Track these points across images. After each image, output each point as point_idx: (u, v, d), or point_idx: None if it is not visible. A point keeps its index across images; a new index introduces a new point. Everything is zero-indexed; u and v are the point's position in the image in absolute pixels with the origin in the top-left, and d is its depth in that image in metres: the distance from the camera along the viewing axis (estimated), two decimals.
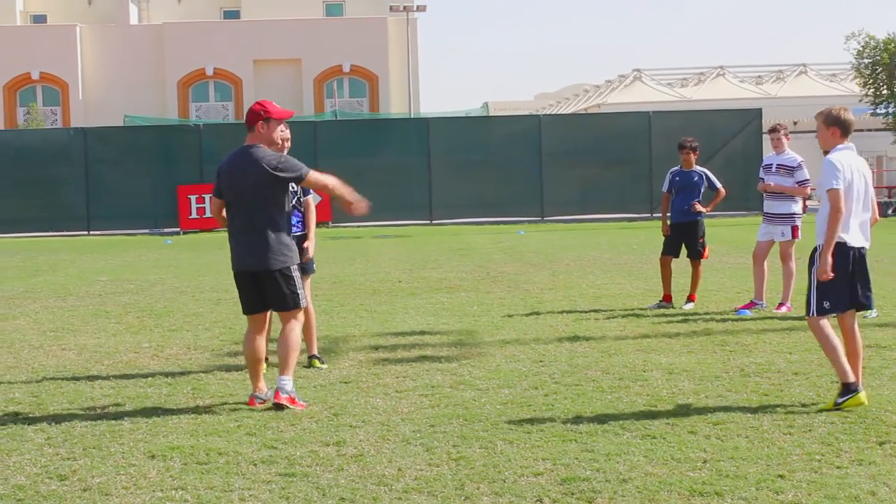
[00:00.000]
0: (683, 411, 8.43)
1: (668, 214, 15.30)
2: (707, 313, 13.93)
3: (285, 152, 9.93)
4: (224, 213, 9.27)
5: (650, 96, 57.86)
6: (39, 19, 67.22)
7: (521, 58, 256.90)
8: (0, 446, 7.87)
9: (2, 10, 64.45)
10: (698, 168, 15.17)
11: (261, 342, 9.26)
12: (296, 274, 9.14)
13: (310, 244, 10.83)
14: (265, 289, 9.15)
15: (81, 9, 66.43)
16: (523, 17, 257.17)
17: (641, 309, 14.43)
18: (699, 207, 14.95)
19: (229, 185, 9.12)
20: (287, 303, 9.15)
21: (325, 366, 10.88)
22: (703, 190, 15.08)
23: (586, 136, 39.44)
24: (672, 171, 15.26)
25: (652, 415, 8.33)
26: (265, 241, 9.02)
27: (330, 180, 9.50)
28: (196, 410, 8.88)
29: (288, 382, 8.98)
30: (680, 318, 13.63)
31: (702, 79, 64.13)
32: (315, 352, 11.11)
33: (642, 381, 9.64)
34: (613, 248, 24.89)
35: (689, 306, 14.54)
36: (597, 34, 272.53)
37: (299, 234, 10.66)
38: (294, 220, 10.51)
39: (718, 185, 15.16)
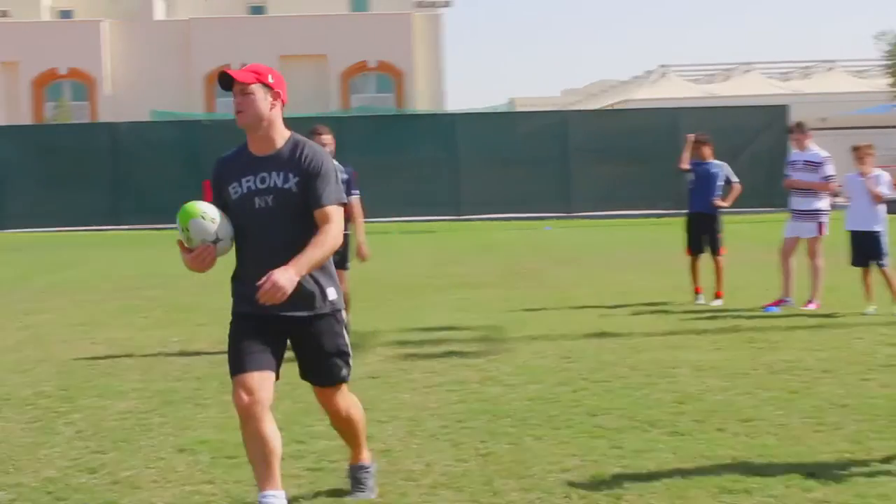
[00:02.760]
0: (711, 408, 8.40)
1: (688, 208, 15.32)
2: (735, 310, 13.88)
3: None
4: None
5: (676, 92, 57.70)
6: (66, 15, 67.52)
7: (547, 53, 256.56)
8: (30, 439, 7.91)
9: (29, 5, 64.76)
10: (717, 161, 15.14)
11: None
12: None
13: (363, 245, 11.55)
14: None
15: (107, 4, 66.68)
16: (549, 13, 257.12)
17: (669, 305, 14.39)
18: (720, 202, 14.93)
19: None
20: None
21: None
22: (720, 183, 15.03)
23: (613, 132, 39.37)
24: (693, 163, 15.23)
25: (680, 412, 8.31)
26: None
27: None
28: (224, 405, 8.89)
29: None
30: (708, 314, 13.59)
31: (728, 75, 63.96)
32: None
33: (670, 377, 9.62)
34: (640, 245, 24.85)
35: (718, 303, 14.49)
36: (623, 30, 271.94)
37: (347, 232, 10.83)
38: None
39: (735, 179, 15.11)
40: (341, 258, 11.15)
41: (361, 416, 6.46)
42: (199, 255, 5.79)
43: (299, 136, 5.99)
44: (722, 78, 64.37)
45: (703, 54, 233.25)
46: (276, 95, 5.94)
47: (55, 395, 9.46)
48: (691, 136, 15.43)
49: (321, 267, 5.83)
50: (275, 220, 5.75)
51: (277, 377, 5.97)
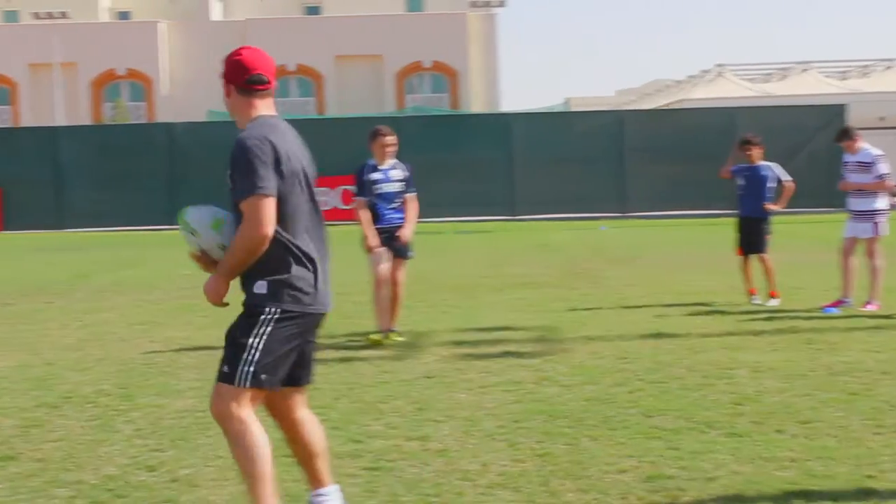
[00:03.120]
0: (770, 410, 8.34)
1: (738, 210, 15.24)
2: (793, 311, 13.79)
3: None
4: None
5: (733, 92, 57.28)
6: (124, 16, 68.12)
7: (603, 53, 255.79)
8: (90, 437, 7.99)
9: (88, 7, 65.41)
10: (765, 163, 15.02)
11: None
12: None
13: (406, 230, 12.20)
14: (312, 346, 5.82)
15: (164, 5, 67.22)
16: (604, 12, 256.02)
17: (726, 305, 14.32)
18: (771, 207, 14.82)
19: (301, 175, 5.60)
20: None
21: (401, 338, 11.97)
22: (771, 185, 14.92)
23: (668, 132, 39.21)
24: (741, 167, 15.11)
25: (738, 413, 8.26)
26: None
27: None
28: None
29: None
30: (766, 315, 13.50)
31: (785, 74, 63.41)
32: (394, 326, 12.12)
33: (728, 378, 9.57)
34: (696, 245, 24.74)
35: (774, 303, 14.39)
36: (679, 29, 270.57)
37: (399, 224, 12.20)
38: (400, 213, 12.23)
39: (786, 178, 14.98)
40: (398, 247, 12.08)
41: (245, 443, 5.41)
42: (198, 261, 5.81)
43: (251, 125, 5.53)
44: (779, 77, 63.85)
45: (760, 54, 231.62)
46: (225, 84, 5.63)
47: (115, 393, 9.55)
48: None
49: (260, 262, 5.39)
50: (236, 218, 5.48)
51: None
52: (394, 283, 12.21)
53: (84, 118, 60.04)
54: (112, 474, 7.01)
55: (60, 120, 54.34)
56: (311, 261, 5.50)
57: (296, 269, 5.44)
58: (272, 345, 5.40)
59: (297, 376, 5.68)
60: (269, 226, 5.31)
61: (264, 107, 5.61)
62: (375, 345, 11.85)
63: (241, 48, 5.72)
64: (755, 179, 14.88)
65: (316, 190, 5.68)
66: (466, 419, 8.28)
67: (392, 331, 12.14)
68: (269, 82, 5.65)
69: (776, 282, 14.69)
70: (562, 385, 9.45)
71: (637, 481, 6.60)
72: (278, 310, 5.41)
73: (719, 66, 62.74)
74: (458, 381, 9.75)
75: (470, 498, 6.39)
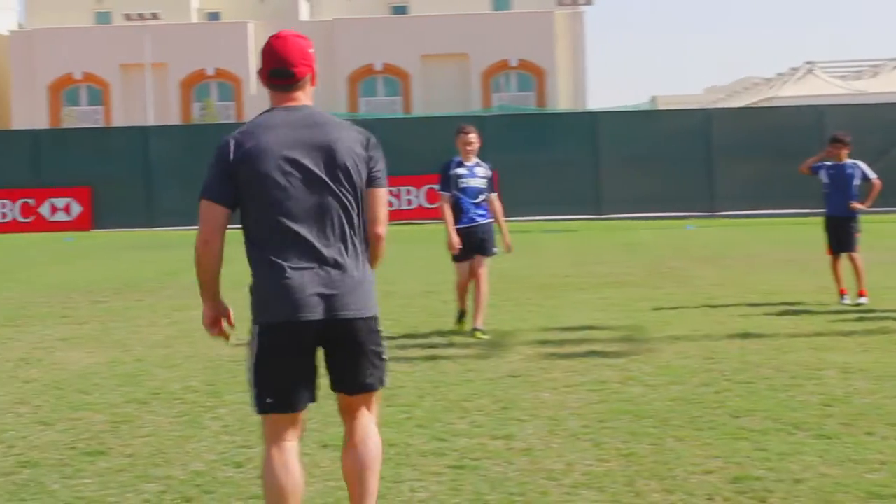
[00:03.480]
0: (859, 411, 8.23)
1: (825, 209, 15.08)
2: (883, 311, 13.59)
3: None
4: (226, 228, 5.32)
5: (823, 89, 56.66)
6: (214, 17, 68.84)
7: (690, 51, 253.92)
8: (179, 433, 8.09)
9: (178, 9, 66.14)
10: (851, 161, 14.83)
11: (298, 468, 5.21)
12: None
13: (507, 236, 12.68)
14: (338, 355, 5.26)
15: (253, 5, 67.82)
16: (692, 9, 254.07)
17: (814, 305, 14.15)
18: (857, 206, 14.63)
19: (287, 171, 5.06)
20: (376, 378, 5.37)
21: (486, 336, 12.06)
22: (857, 183, 14.73)
23: (757, 131, 38.79)
24: (826, 165, 14.94)
25: (826, 414, 8.17)
26: (351, 265, 5.14)
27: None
28: None
29: None
30: (855, 315, 13.32)
31: (877, 71, 62.58)
32: (479, 324, 12.26)
33: (816, 379, 9.46)
34: (785, 244, 24.48)
35: (863, 301, 14.20)
36: (768, 26, 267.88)
37: (490, 221, 12.55)
38: (483, 209, 12.45)
39: (872, 176, 14.79)
40: (482, 243, 12.32)
41: (262, 477, 5.20)
42: None
43: None
44: (870, 74, 63.05)
45: (851, 50, 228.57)
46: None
47: (202, 389, 9.65)
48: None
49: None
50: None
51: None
52: (476, 280, 12.42)
53: (174, 118, 60.76)
54: (200, 470, 7.09)
55: (150, 120, 55.02)
56: (275, 267, 5.07)
57: (266, 278, 5.11)
58: (264, 364, 5.14)
59: (340, 382, 5.31)
60: (206, 231, 5.13)
61: (284, 100, 5.19)
62: (459, 331, 12.44)
63: (270, 38, 5.27)
64: (841, 178, 14.70)
65: (333, 180, 5.06)
66: (551, 418, 8.26)
67: (477, 329, 12.27)
68: (290, 76, 5.19)
69: (865, 281, 14.49)
70: (647, 385, 9.40)
71: (723, 482, 6.55)
72: (258, 325, 5.19)
73: (809, 63, 62.06)
74: (542, 380, 9.74)
75: (554, 497, 6.38)
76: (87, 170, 39.05)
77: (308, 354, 5.15)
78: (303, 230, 5.04)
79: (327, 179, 5.05)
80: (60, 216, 38.69)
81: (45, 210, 38.72)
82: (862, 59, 67.46)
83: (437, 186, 12.94)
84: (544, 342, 11.84)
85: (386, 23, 63.87)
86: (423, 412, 8.57)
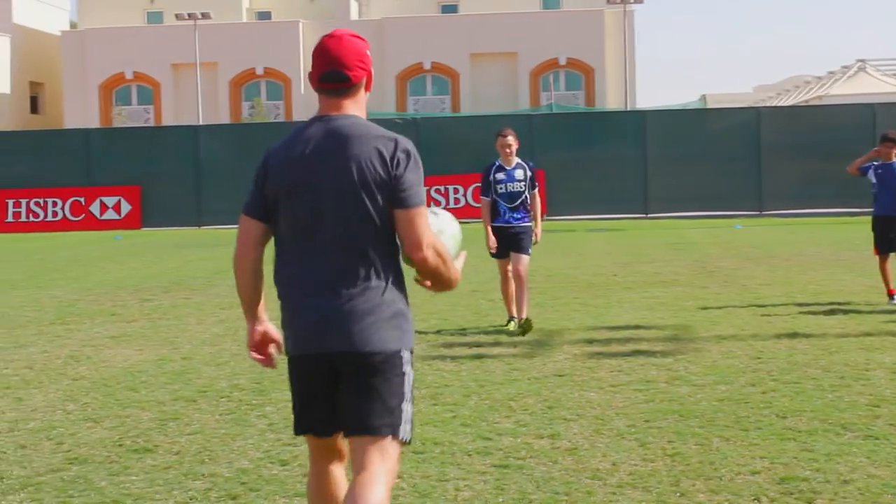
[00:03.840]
0: None
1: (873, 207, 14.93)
2: None
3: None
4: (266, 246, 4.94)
5: (875, 87, 56.14)
6: (264, 16, 69.13)
7: (740, 49, 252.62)
8: (225, 431, 8.14)
9: (229, 8, 66.47)
10: None
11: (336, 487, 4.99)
12: (409, 371, 4.82)
13: (538, 230, 12.93)
14: (344, 391, 4.77)
15: (304, 5, 68.06)
16: (742, 7, 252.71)
17: (863, 305, 14.04)
18: None
19: (298, 192, 4.73)
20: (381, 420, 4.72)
21: (522, 330, 12.42)
22: None
23: (807, 129, 38.48)
24: (874, 165, 14.81)
25: (875, 415, 8.11)
26: (358, 296, 4.69)
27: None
28: (414, 400, 8.99)
29: None
30: None
31: None
32: (524, 314, 12.62)
33: (864, 380, 9.39)
34: (834, 244, 24.30)
35: None
36: (819, 23, 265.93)
37: (528, 223, 12.80)
38: (520, 213, 12.77)
39: None
40: (518, 242, 12.73)
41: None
42: None
43: None
44: None
45: None
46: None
47: (249, 388, 9.70)
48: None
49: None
50: None
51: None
52: (516, 276, 12.72)
53: (223, 117, 61.05)
54: (245, 468, 7.14)
55: (200, 119, 55.33)
56: (285, 295, 4.81)
57: (282, 307, 4.86)
58: (292, 389, 4.97)
59: (344, 422, 4.78)
60: (239, 246, 4.83)
61: (331, 108, 4.78)
62: (511, 334, 12.45)
63: (323, 37, 4.83)
64: (890, 177, 14.56)
65: (343, 205, 4.64)
66: (597, 418, 8.25)
67: (524, 318, 12.58)
68: (345, 80, 4.76)
69: None
70: (694, 385, 9.36)
71: (770, 483, 6.52)
72: (284, 352, 4.99)
73: (860, 61, 61.53)
74: (588, 379, 9.72)
75: (600, 497, 6.38)
76: (136, 168, 39.34)
77: (323, 386, 4.78)
78: (309, 256, 4.70)
79: (337, 204, 4.63)
80: (110, 214, 38.98)
81: (95, 209, 39.01)
82: None
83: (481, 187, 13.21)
84: (591, 341, 11.82)
85: (435, 21, 63.90)
86: (468, 411, 8.58)
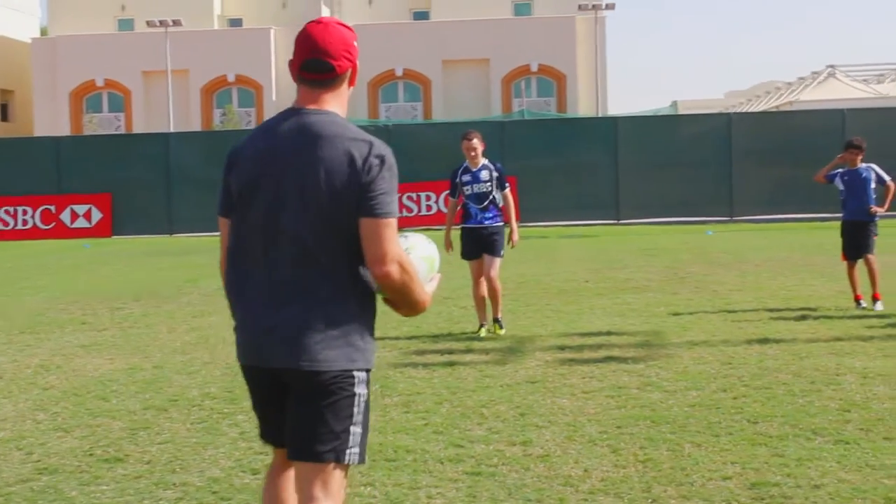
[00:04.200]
0: (878, 417, 8.21)
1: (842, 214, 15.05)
2: None
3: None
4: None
5: (845, 93, 56.42)
6: (236, 23, 68.95)
7: (711, 55, 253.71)
8: (196, 440, 8.11)
9: (200, 15, 66.29)
10: (864, 165, 14.77)
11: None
12: (362, 391, 4.43)
13: (515, 233, 13.08)
14: (290, 409, 4.46)
15: (275, 12, 67.94)
16: (712, 14, 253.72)
17: (833, 310, 14.10)
18: (876, 209, 14.60)
19: (256, 191, 4.42)
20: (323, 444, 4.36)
21: (503, 331, 12.74)
22: (873, 186, 14.69)
23: (778, 135, 38.62)
24: (840, 171, 14.94)
25: (845, 420, 8.14)
26: (310, 309, 4.32)
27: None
28: (383, 409, 9.00)
29: None
30: (874, 320, 13.27)
31: None
32: (499, 315, 12.93)
33: (835, 384, 9.42)
34: (804, 249, 24.39)
35: (879, 306, 14.15)
36: (789, 30, 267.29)
37: (500, 223, 12.95)
38: (491, 213, 12.96)
39: (887, 178, 14.75)
40: (490, 244, 12.97)
41: None
42: None
43: None
44: (892, 78, 62.76)
45: (873, 54, 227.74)
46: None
47: (220, 396, 9.67)
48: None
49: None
50: None
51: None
52: (487, 280, 12.96)
53: (195, 125, 60.90)
54: (217, 477, 7.11)
55: (171, 126, 55.14)
56: (234, 299, 4.56)
57: (230, 307, 4.62)
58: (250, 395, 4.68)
59: (287, 443, 4.46)
60: (222, 251, 4.65)
61: (308, 100, 4.45)
62: (480, 338, 12.65)
63: (308, 23, 4.52)
64: (856, 183, 14.67)
65: (302, 208, 4.30)
66: (569, 424, 8.26)
67: (496, 320, 12.93)
68: (329, 69, 4.44)
69: (880, 284, 14.44)
70: (665, 390, 9.38)
71: (741, 488, 6.54)
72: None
73: (831, 66, 61.83)
74: (560, 386, 9.73)
75: (572, 503, 6.38)
76: (107, 176, 39.14)
77: (273, 398, 4.48)
78: (262, 260, 4.37)
79: (298, 206, 4.29)
80: (81, 223, 38.79)
81: (65, 217, 38.83)
82: (884, 63, 67.13)
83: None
84: (563, 348, 11.83)
85: (407, 28, 63.91)
86: (440, 418, 8.57)
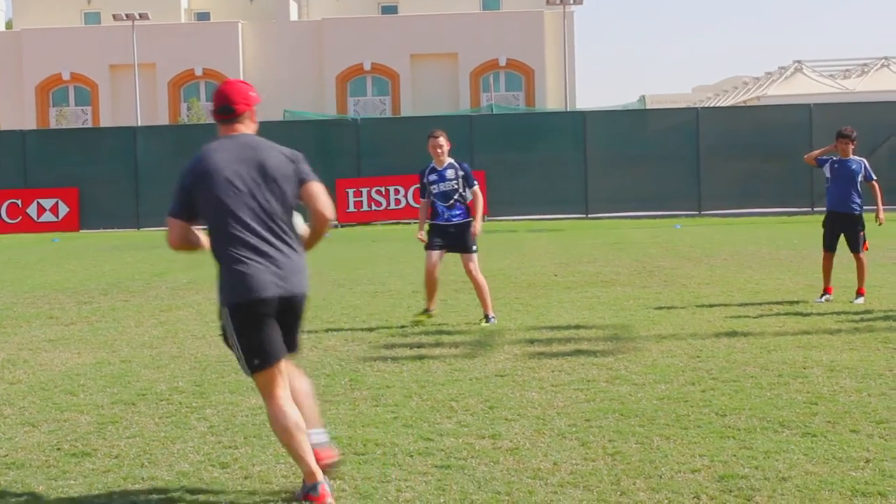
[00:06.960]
0: (845, 409, 8.26)
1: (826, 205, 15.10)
2: (870, 310, 13.62)
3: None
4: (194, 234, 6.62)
5: (811, 88, 56.74)
6: (203, 17, 68.69)
7: (679, 50, 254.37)
8: (165, 434, 8.08)
9: (167, 8, 65.97)
10: (856, 157, 14.82)
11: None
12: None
13: (477, 224, 13.21)
14: (289, 324, 6.52)
15: (243, 6, 67.70)
16: (680, 8, 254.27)
17: (801, 304, 14.18)
18: (882, 220, 14.73)
19: (233, 183, 6.31)
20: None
21: (494, 320, 13.09)
22: (860, 180, 14.74)
23: (745, 129, 38.79)
24: (832, 159, 14.94)
25: (812, 412, 8.19)
26: (293, 254, 6.42)
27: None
28: (353, 402, 9.00)
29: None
30: (842, 314, 13.35)
31: (865, 70, 62.62)
32: (489, 312, 13.22)
33: (802, 378, 9.47)
34: (772, 243, 24.50)
35: (860, 301, 14.22)
36: (756, 24, 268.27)
37: (467, 220, 13.21)
38: (458, 210, 13.24)
39: (874, 177, 14.80)
40: (460, 242, 13.25)
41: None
42: None
43: None
44: (858, 73, 63.09)
45: (839, 49, 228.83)
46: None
47: (189, 390, 9.65)
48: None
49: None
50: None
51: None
52: (469, 276, 13.28)
53: (162, 118, 60.62)
54: (185, 471, 7.09)
55: (138, 120, 54.88)
56: (246, 257, 6.27)
57: (229, 270, 6.30)
58: (244, 334, 6.33)
59: (288, 347, 6.50)
60: (173, 240, 6.46)
61: (228, 130, 6.52)
62: (419, 324, 13.10)
63: (220, 84, 6.73)
64: (844, 174, 14.67)
65: (269, 190, 6.36)
66: (538, 418, 8.27)
67: (487, 317, 13.23)
68: (232, 112, 6.51)
69: (865, 280, 14.50)
70: (634, 384, 9.41)
71: (709, 481, 6.57)
72: (227, 306, 6.34)
73: (797, 62, 62.11)
74: (529, 379, 9.74)
75: (541, 496, 6.39)
76: (74, 170, 38.95)
77: (272, 320, 6.35)
78: (250, 229, 6.30)
79: (264, 189, 6.35)
80: (48, 217, 38.61)
81: (32, 211, 38.63)
82: (850, 58, 67.45)
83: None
84: (532, 341, 11.85)
85: (375, 22, 63.77)
86: (409, 412, 8.57)
